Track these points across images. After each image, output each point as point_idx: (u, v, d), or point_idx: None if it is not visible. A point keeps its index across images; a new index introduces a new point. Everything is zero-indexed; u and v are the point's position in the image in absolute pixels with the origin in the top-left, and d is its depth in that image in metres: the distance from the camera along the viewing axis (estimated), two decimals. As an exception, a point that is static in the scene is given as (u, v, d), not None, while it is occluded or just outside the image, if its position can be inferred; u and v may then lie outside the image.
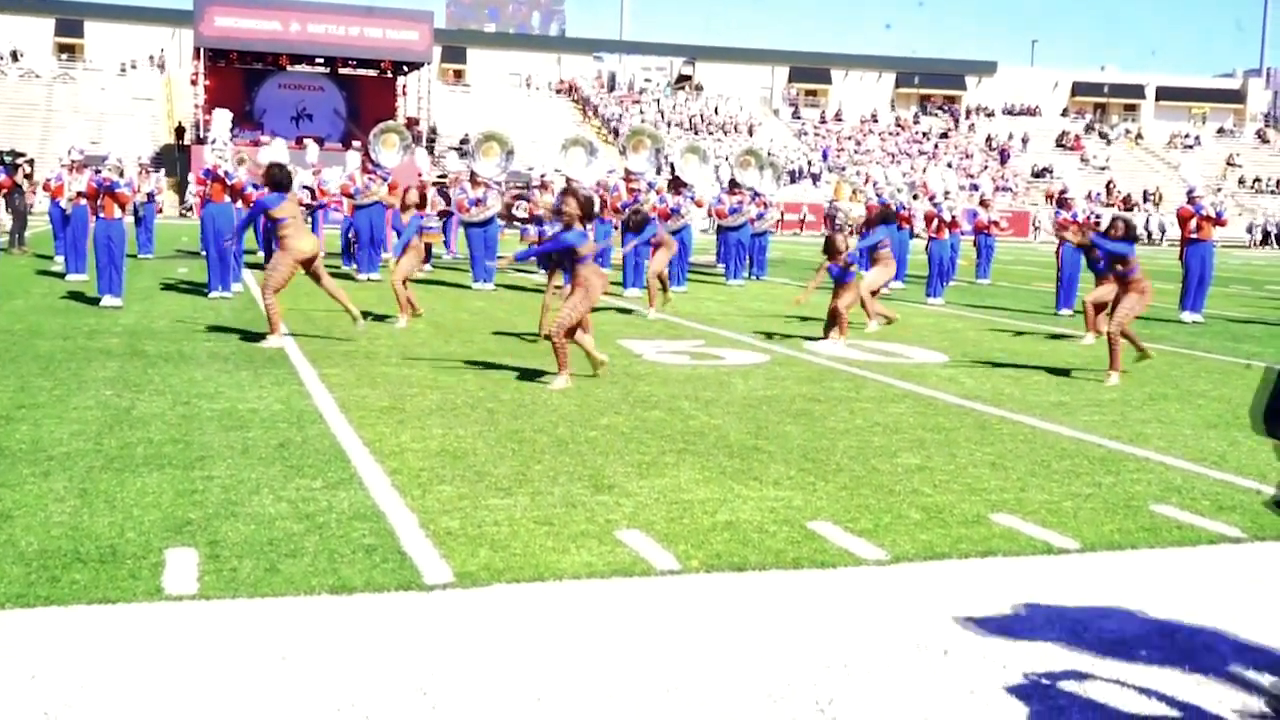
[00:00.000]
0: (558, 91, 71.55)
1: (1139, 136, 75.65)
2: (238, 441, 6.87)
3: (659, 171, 22.25)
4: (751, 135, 66.20)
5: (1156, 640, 4.26)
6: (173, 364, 9.75)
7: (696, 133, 64.81)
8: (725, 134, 66.67)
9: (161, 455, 6.47)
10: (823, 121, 72.58)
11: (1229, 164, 71.11)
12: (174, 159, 52.30)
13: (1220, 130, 77.04)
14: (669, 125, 65.33)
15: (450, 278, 20.52)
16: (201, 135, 45.56)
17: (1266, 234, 59.80)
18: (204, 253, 16.84)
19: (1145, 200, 64.58)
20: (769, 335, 13.23)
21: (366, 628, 4.11)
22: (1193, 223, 16.98)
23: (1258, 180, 69.56)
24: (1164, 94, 79.51)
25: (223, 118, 16.83)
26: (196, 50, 50.71)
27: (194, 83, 51.57)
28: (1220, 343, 13.90)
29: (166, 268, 20.37)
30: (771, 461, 6.80)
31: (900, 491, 6.18)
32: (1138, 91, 79.74)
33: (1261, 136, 77.12)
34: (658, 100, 70.82)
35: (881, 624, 4.32)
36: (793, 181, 58.36)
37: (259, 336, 11.58)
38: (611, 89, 72.52)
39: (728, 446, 7.18)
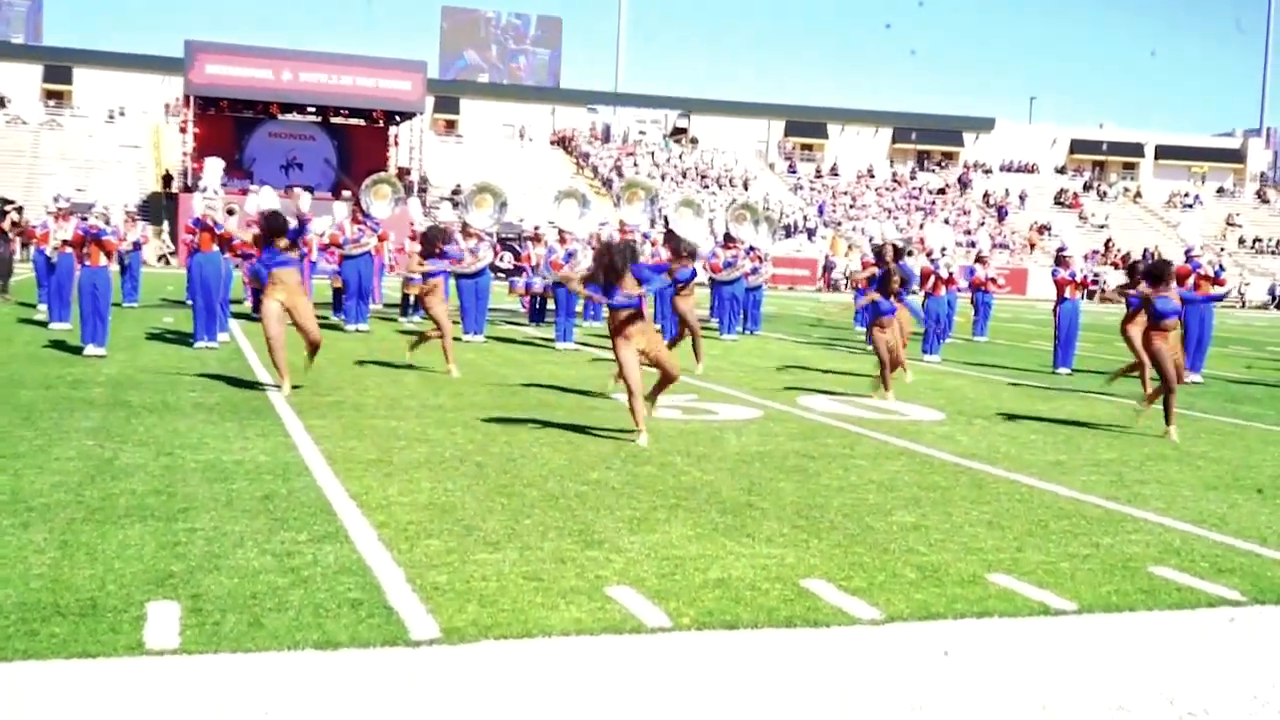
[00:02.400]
0: (552, 143, 72.05)
1: (1138, 195, 76.26)
2: (222, 493, 6.87)
3: (653, 224, 22.39)
4: (747, 189, 66.62)
5: (1155, 705, 4.26)
6: (156, 414, 9.75)
7: (690, 184, 65.20)
8: (720, 187, 67.09)
9: (144, 507, 6.47)
10: (819, 176, 73.11)
11: (1229, 224, 71.65)
12: (161, 207, 52.51)
13: (1220, 190, 77.69)
14: (663, 178, 65.75)
15: (440, 330, 20.56)
16: (189, 183, 45.79)
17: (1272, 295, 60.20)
18: (190, 302, 16.87)
19: (1144, 259, 64.95)
20: (767, 390, 13.27)
21: (352, 684, 4.11)
22: (1190, 281, 17.08)
23: (1258, 240, 70.06)
24: (1163, 152, 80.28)
25: (214, 166, 16.93)
26: (186, 98, 51.11)
27: (183, 130, 51.91)
28: (1219, 404, 13.96)
29: (152, 317, 20.40)
30: (764, 518, 6.81)
31: (895, 550, 6.19)
32: (1137, 150, 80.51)
33: (1261, 196, 77.76)
34: (652, 152, 71.32)
35: (875, 684, 4.33)
36: (788, 236, 58.71)
37: (245, 386, 11.61)
38: (606, 141, 73.06)
39: (720, 502, 7.19)
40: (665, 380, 9.89)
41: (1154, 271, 11.14)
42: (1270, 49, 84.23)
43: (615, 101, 77.29)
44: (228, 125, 53.03)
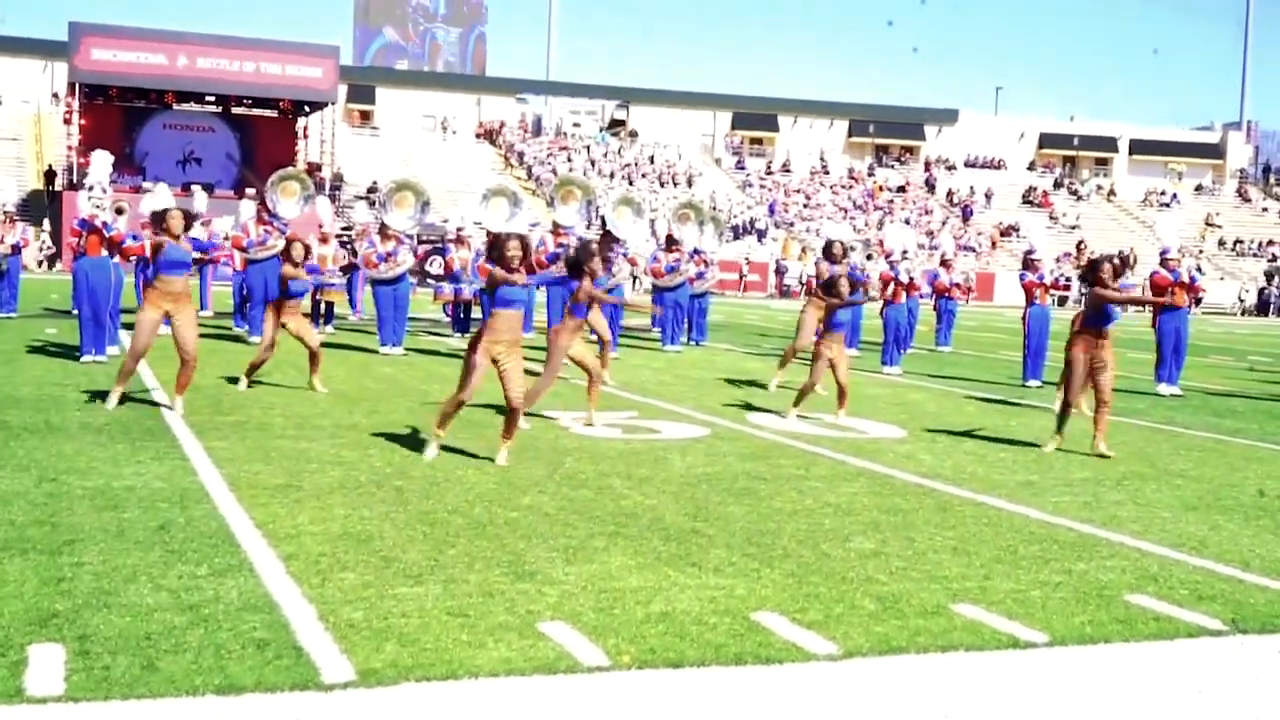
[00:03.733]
0: (477, 136, 71.97)
1: (1111, 193, 77.43)
2: (112, 523, 6.79)
3: (589, 225, 22.42)
4: (691, 186, 66.88)
5: (1131, 742, 4.33)
6: (38, 436, 9.62)
7: (630, 183, 65.37)
8: (662, 185, 67.29)
9: (24, 539, 6.38)
10: (769, 172, 73.57)
11: (1208, 224, 72.94)
12: (43, 206, 51.80)
13: (1199, 187, 79.06)
14: (600, 174, 65.84)
15: (356, 341, 20.45)
16: (75, 180, 45.21)
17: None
18: (76, 312, 16.64)
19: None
20: (727, 406, 13.31)
21: (257, 732, 4.07)
22: (1169, 292, 17.28)
23: (1239, 242, 71.34)
24: (1138, 147, 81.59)
25: (102, 160, 16.71)
26: (71, 85, 50.49)
27: (68, 121, 51.26)
28: (1200, 418, 14.19)
29: (33, 328, 20.11)
30: (712, 546, 6.84)
31: (853, 579, 6.24)
32: (1110, 144, 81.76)
33: (1242, 194, 79.22)
34: (588, 147, 71.43)
35: (832, 725, 4.35)
36: (736, 238, 59.03)
37: (138, 405, 11.49)
38: (537, 134, 73.07)
39: (664, 529, 7.20)
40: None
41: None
42: (1250, 37, 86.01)
43: (547, 91, 77.32)
44: (117, 116, 52.45)
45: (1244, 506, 8.69)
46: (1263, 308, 61.48)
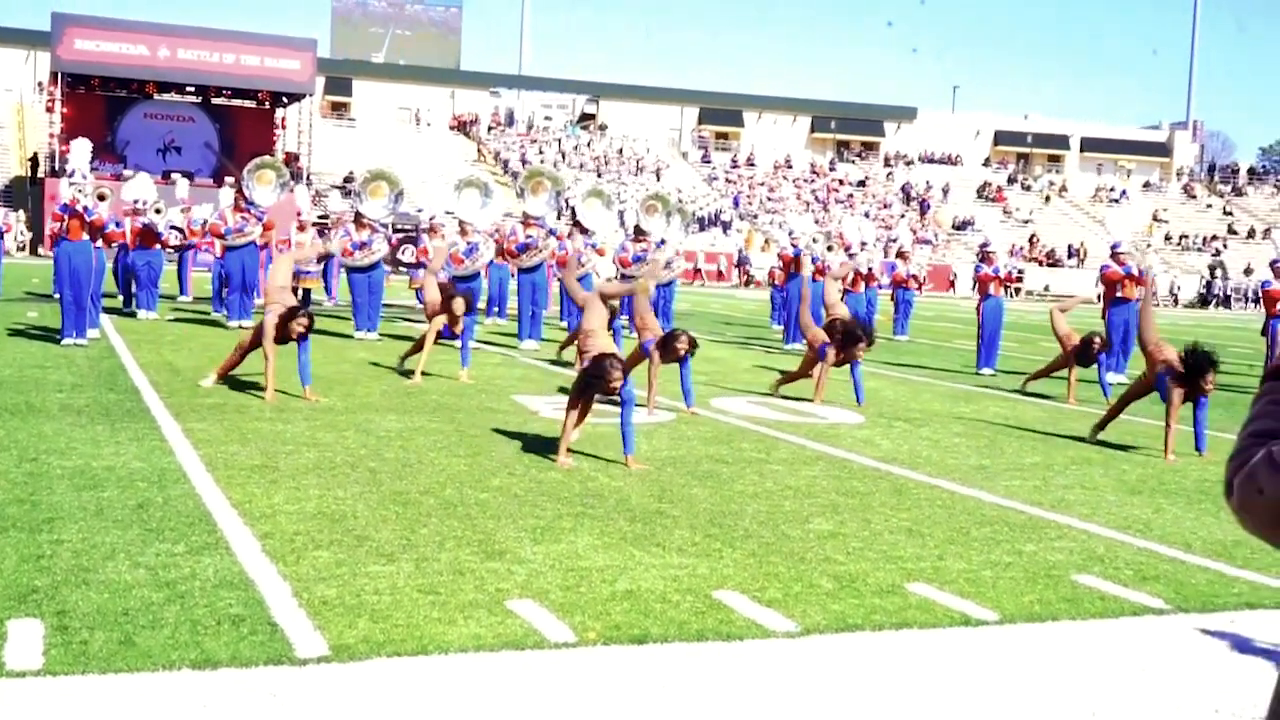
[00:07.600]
0: (451, 128, 71.68)
1: (1063, 189, 77.83)
2: (91, 502, 6.74)
3: (559, 215, 22.38)
4: (659, 179, 66.82)
5: (1078, 718, 4.35)
6: (19, 417, 9.53)
7: (600, 175, 65.25)
8: (631, 176, 67.19)
9: (4, 517, 6.32)
10: (734, 166, 73.55)
11: (1155, 219, 73.42)
12: (25, 193, 51.29)
13: (1146, 184, 79.61)
14: (570, 166, 65.71)
15: (331, 326, 20.35)
16: (57, 167, 44.80)
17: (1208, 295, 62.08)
18: (57, 295, 16.49)
19: (1070, 256, 66.38)
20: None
21: (232, 706, 4.05)
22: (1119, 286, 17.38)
23: (1184, 237, 71.87)
24: (1089, 145, 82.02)
25: (82, 148, 16.55)
26: (54, 75, 49.96)
27: (50, 110, 50.73)
28: (1144, 405, 14.23)
29: (14, 311, 19.92)
30: (675, 526, 6.85)
31: (811, 559, 6.25)
32: (1062, 142, 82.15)
33: (1188, 191, 79.77)
34: (559, 139, 71.26)
35: (790, 700, 4.37)
36: (702, 229, 59.03)
37: (118, 388, 11.40)
38: (509, 126, 72.85)
39: (629, 510, 7.21)
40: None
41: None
42: (1197, 39, 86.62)
43: (519, 85, 77.07)
44: (99, 105, 51.89)
45: (1186, 490, 8.77)
46: (1203, 301, 62.03)
